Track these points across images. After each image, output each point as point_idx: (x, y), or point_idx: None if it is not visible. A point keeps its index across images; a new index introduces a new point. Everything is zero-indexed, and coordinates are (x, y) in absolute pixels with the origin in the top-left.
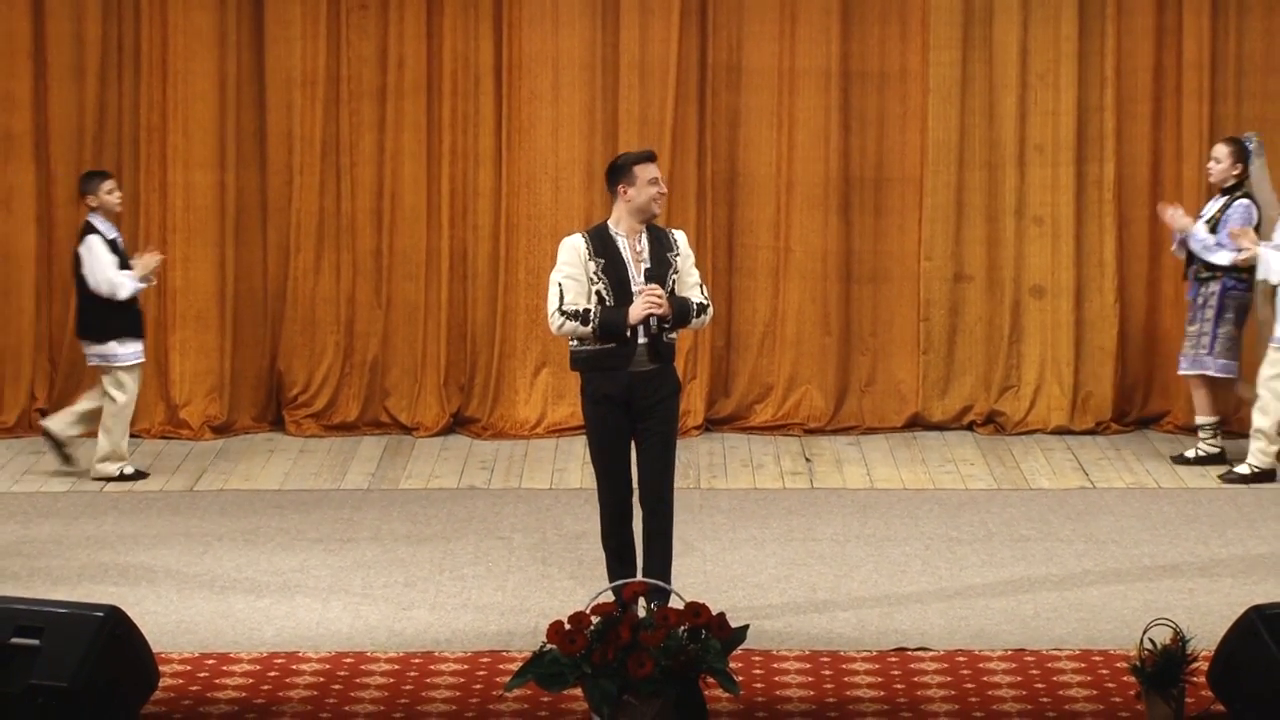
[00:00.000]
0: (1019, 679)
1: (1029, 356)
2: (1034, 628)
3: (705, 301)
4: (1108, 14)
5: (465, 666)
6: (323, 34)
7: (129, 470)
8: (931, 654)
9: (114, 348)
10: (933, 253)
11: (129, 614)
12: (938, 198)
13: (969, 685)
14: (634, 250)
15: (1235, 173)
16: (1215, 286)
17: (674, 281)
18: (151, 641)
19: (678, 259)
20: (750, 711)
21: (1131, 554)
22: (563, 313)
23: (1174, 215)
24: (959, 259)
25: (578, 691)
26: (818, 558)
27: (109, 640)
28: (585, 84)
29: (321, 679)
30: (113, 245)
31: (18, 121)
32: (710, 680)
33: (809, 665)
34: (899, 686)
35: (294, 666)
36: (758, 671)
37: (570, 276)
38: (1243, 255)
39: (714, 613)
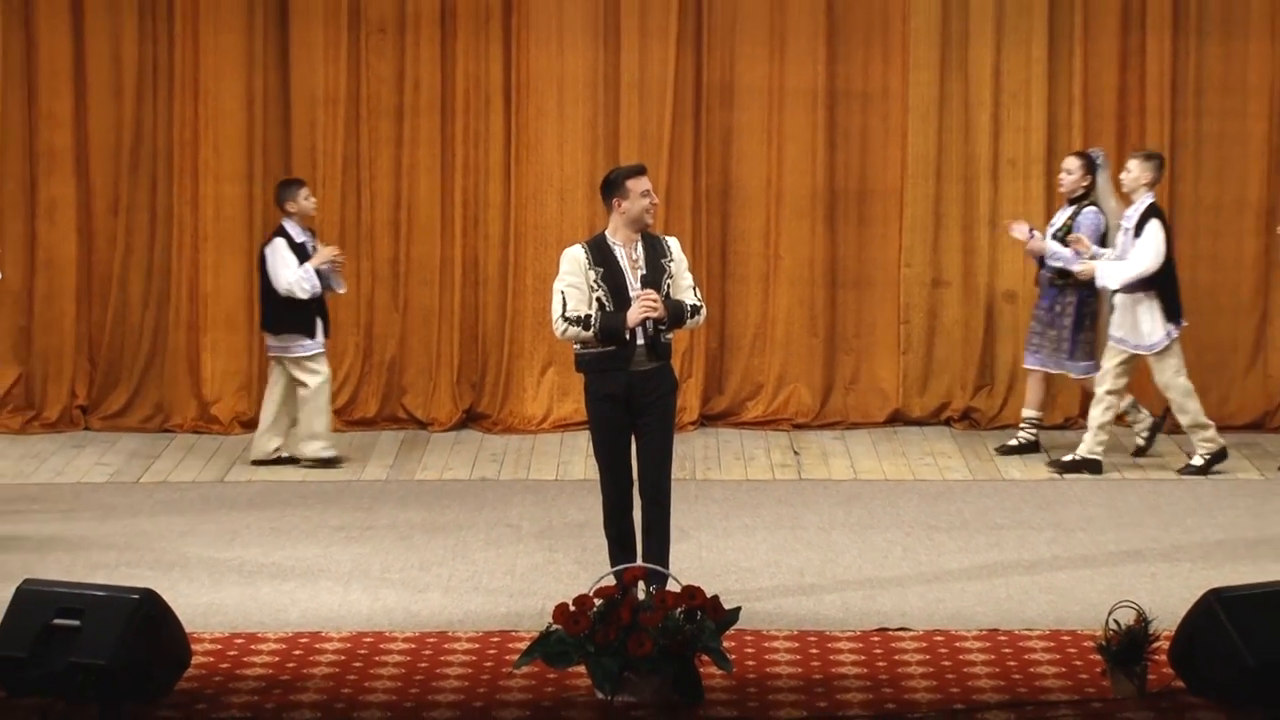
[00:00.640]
0: (993, 657)
1: (1002, 357)
2: (1007, 609)
3: (699, 303)
4: (1075, 37)
5: (477, 645)
6: (344, 56)
7: (327, 454)
8: (911, 634)
9: (290, 340)
10: (912, 260)
11: (163, 597)
12: (917, 209)
13: (946, 663)
14: (630, 258)
15: (1085, 184)
16: (1073, 296)
17: (669, 285)
18: (184, 623)
19: (672, 264)
20: (742, 687)
21: (1098, 540)
22: (566, 319)
23: (1032, 240)
24: (937, 266)
25: (582, 669)
26: (805, 544)
27: (144, 621)
28: (588, 102)
29: (343, 657)
30: (300, 248)
31: (59, 138)
32: (705, 658)
33: (797, 644)
34: (881, 664)
35: (317, 645)
36: (749, 650)
37: (572, 285)
38: (1079, 268)
39: (708, 596)
